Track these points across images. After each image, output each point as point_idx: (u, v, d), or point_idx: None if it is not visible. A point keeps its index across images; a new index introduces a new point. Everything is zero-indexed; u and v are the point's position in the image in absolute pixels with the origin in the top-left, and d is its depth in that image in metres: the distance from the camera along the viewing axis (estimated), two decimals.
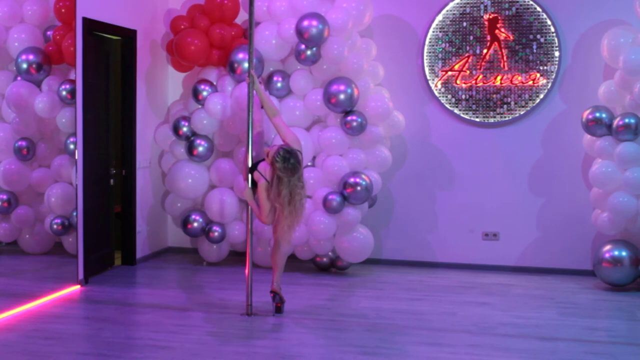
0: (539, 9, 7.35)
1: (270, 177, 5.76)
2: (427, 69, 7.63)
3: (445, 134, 7.66)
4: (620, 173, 6.69)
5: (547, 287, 6.96)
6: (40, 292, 6.37)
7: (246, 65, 6.93)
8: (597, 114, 6.79)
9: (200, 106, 7.43)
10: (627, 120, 6.63)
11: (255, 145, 6.07)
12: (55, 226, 7.24)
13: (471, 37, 7.52)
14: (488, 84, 7.49)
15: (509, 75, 7.44)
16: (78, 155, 6.67)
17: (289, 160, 5.67)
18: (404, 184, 7.76)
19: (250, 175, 5.92)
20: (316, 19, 6.90)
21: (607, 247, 6.84)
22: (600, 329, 5.66)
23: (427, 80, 7.63)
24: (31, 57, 7.17)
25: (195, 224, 7.52)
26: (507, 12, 7.43)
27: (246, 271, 5.91)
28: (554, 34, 7.33)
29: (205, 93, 7.35)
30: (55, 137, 7.32)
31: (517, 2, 7.40)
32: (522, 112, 7.45)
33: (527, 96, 7.43)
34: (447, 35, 7.57)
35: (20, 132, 7.29)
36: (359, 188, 6.97)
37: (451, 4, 7.54)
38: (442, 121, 7.64)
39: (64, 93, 7.03)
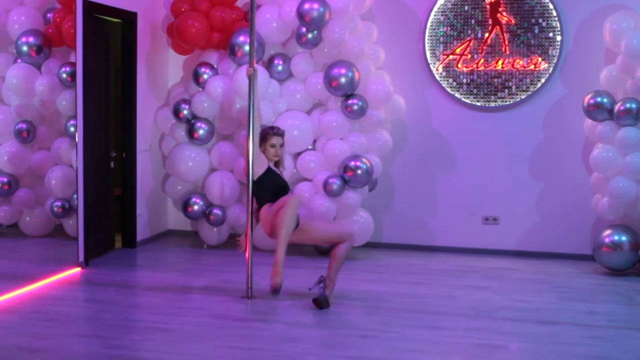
0: None
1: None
2: (428, 53, 7.60)
3: (446, 118, 7.64)
4: (620, 158, 6.68)
5: (547, 271, 6.97)
6: (40, 275, 6.38)
7: (247, 48, 6.91)
8: (599, 99, 6.77)
9: (200, 89, 7.41)
10: (628, 105, 6.61)
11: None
12: (55, 209, 7.25)
13: (472, 21, 7.48)
14: (489, 68, 7.47)
15: (510, 60, 7.41)
16: (78, 138, 6.66)
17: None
18: (405, 168, 7.75)
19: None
20: (317, 2, 6.86)
21: (607, 232, 6.84)
22: (599, 314, 5.68)
23: (428, 64, 7.60)
24: (31, 39, 7.15)
25: (196, 207, 7.52)
26: None
27: (246, 254, 5.91)
28: (556, 18, 7.30)
29: (205, 76, 7.33)
30: (55, 120, 7.32)
31: None
32: (523, 97, 7.43)
33: (528, 80, 7.41)
34: (448, 18, 7.54)
35: (20, 115, 7.29)
36: (359, 172, 6.97)
37: None
38: (443, 105, 7.62)
39: (64, 75, 7.03)
